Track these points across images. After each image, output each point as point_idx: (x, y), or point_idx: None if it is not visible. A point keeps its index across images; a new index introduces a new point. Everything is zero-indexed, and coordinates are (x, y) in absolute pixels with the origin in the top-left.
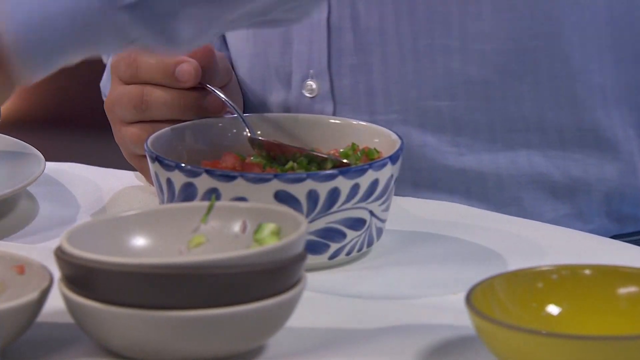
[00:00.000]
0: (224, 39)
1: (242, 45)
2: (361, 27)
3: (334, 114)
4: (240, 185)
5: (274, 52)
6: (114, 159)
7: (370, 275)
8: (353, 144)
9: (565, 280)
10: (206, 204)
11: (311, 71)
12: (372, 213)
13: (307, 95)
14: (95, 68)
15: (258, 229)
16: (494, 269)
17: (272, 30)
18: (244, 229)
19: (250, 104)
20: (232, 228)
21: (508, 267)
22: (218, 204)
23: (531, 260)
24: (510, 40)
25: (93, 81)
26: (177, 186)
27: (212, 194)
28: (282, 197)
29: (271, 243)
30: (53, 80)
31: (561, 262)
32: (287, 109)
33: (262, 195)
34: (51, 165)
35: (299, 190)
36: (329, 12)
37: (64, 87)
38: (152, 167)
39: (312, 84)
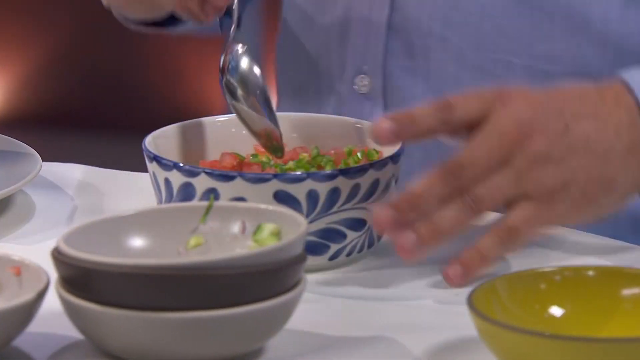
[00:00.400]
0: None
1: (303, 29)
2: (423, 31)
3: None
4: (239, 185)
5: (332, 40)
6: (111, 159)
7: (371, 276)
8: (349, 148)
9: (569, 281)
10: (205, 204)
11: (365, 67)
12: None
13: (358, 90)
14: (92, 66)
15: (257, 230)
16: (496, 270)
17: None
18: (243, 229)
19: (310, 96)
20: (231, 228)
21: (510, 268)
22: (217, 204)
23: (534, 261)
24: (578, 64)
25: (91, 80)
26: (175, 186)
27: (211, 194)
28: (282, 197)
29: (270, 244)
30: (50, 78)
31: (564, 263)
32: (337, 101)
33: (261, 196)
34: (48, 165)
35: (299, 190)
36: (391, 11)
37: (61, 86)
38: (150, 166)
39: (364, 80)
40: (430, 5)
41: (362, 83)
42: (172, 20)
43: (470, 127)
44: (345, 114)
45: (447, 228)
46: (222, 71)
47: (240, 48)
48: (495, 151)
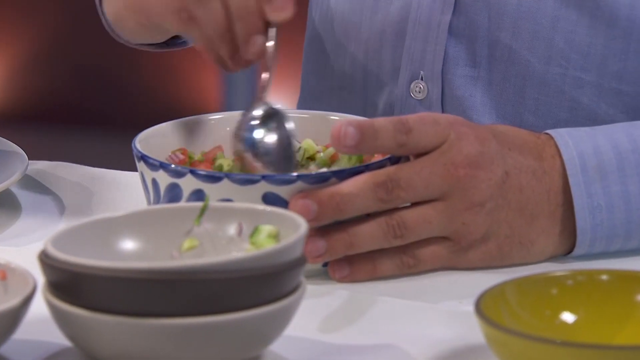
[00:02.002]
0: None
1: (356, 31)
2: (490, 38)
3: None
4: (226, 187)
5: (386, 40)
6: (101, 157)
7: (374, 282)
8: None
9: (581, 286)
10: (200, 204)
11: (422, 72)
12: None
13: (414, 97)
14: (80, 60)
15: (255, 232)
16: (504, 274)
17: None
18: (239, 231)
19: (356, 94)
20: (227, 230)
21: (520, 272)
22: (212, 204)
23: (545, 265)
24: None
25: (79, 74)
26: (162, 187)
27: (197, 196)
28: (271, 200)
29: (268, 246)
30: (36, 73)
31: (577, 266)
32: (387, 104)
33: (249, 198)
34: (34, 164)
35: (289, 193)
36: (454, 15)
37: (47, 81)
38: (139, 166)
39: (421, 86)
40: (497, 13)
41: (418, 89)
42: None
43: (419, 154)
44: None
45: (361, 245)
46: (236, 136)
47: (259, 113)
48: (436, 180)
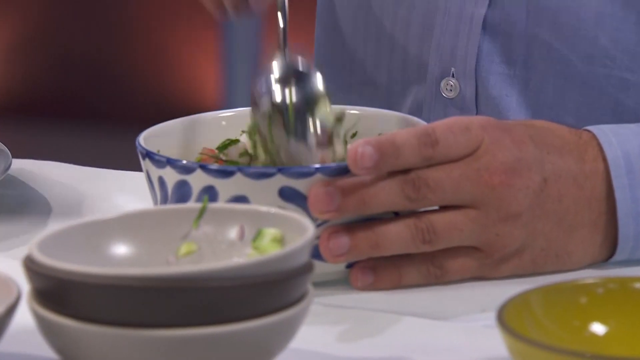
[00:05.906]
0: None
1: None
2: (528, 35)
3: None
4: (239, 182)
5: (412, 33)
6: (90, 155)
7: (394, 290)
8: None
9: (613, 294)
10: (198, 206)
11: (453, 69)
12: (396, 213)
13: (445, 95)
14: (68, 49)
15: (257, 235)
16: (529, 282)
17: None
18: (241, 235)
19: (380, 91)
20: (228, 234)
21: (546, 280)
22: (212, 206)
23: (573, 272)
24: None
25: (67, 65)
26: (170, 185)
27: (208, 193)
28: (288, 195)
29: (272, 251)
30: (19, 63)
31: (607, 273)
32: (415, 102)
33: (264, 193)
34: (19, 163)
35: (307, 186)
36: (489, 8)
37: (32, 72)
38: (144, 165)
39: (452, 83)
40: (536, 7)
41: (449, 87)
42: None
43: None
44: (427, 118)
45: (387, 246)
46: (253, 102)
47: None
48: (467, 185)
